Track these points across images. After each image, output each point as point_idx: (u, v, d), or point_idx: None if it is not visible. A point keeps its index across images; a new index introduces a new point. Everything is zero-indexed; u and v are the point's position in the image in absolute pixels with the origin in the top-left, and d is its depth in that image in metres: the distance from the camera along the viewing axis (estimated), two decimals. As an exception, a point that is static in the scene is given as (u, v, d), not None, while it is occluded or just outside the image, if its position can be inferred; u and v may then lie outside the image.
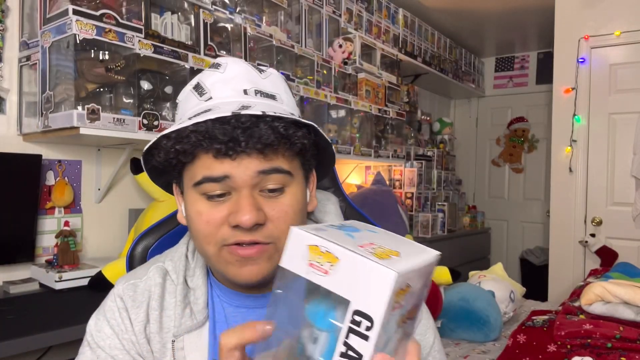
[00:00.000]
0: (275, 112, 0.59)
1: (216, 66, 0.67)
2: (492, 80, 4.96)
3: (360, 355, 0.36)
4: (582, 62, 3.19)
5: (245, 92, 0.64)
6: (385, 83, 3.13)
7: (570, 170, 3.23)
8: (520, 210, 4.76)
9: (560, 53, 3.29)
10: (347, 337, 0.37)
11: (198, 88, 0.66)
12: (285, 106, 0.66)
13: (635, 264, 2.55)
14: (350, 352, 0.37)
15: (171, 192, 0.73)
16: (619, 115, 3.13)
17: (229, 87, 0.64)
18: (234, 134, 0.57)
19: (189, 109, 0.65)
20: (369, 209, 2.86)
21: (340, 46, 2.78)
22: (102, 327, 0.68)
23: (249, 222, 0.58)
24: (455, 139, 4.85)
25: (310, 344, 0.39)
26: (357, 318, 0.36)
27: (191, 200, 0.63)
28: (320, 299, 0.38)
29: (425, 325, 0.73)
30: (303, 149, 0.63)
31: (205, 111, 0.60)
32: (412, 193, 3.65)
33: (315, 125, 0.63)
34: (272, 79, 0.67)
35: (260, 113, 0.58)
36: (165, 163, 0.63)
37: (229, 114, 0.57)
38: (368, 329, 0.36)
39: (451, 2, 3.53)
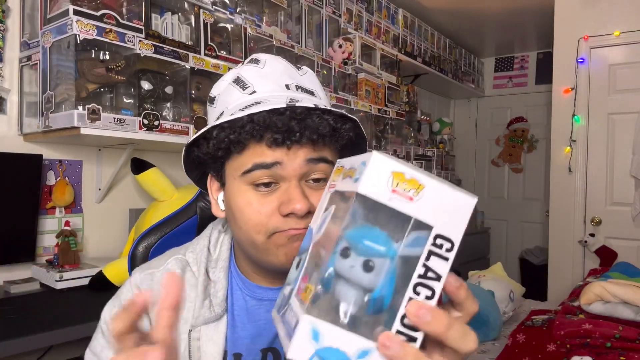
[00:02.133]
0: (325, 106, 0.62)
1: (255, 61, 0.69)
2: (491, 80, 4.96)
3: (439, 276, 0.39)
4: (581, 62, 3.19)
5: (287, 86, 0.66)
6: (385, 83, 3.14)
7: (570, 170, 3.23)
8: (520, 210, 4.76)
9: (559, 53, 3.30)
10: (427, 259, 0.38)
11: (239, 82, 0.67)
12: (323, 102, 0.69)
13: (635, 263, 2.55)
14: (429, 274, 0.38)
15: (201, 186, 0.75)
16: (618, 115, 3.14)
17: (270, 81, 0.66)
18: (290, 124, 0.60)
19: (232, 102, 0.66)
20: (369, 208, 2.85)
21: (340, 46, 2.79)
22: None
23: (302, 210, 0.60)
24: (455, 139, 4.85)
25: (362, 272, 0.38)
26: (439, 241, 0.38)
27: (238, 191, 0.64)
28: (375, 227, 0.38)
29: None
30: (349, 142, 0.66)
31: (255, 103, 0.62)
32: (412, 193, 3.64)
33: (358, 120, 0.67)
34: (309, 76, 0.71)
35: (312, 106, 0.60)
36: (212, 153, 0.64)
37: (283, 105, 0.59)
38: (448, 250, 0.39)
39: (451, 2, 3.54)
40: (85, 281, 1.72)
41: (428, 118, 4.48)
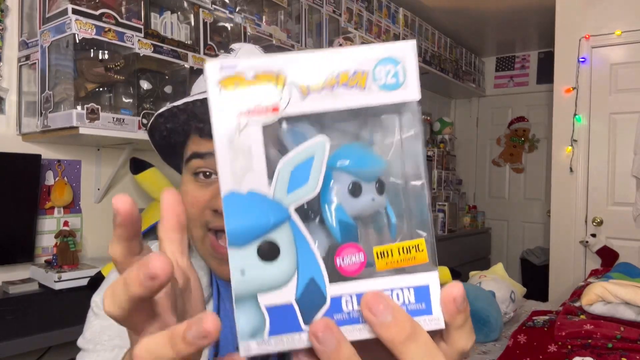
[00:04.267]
0: None
1: (230, 51, 0.68)
2: (492, 79, 4.95)
3: None
4: (582, 61, 3.18)
5: None
6: (386, 83, 3.13)
7: (571, 170, 3.22)
8: (521, 210, 4.75)
9: (560, 53, 3.29)
10: None
11: None
12: None
13: (636, 264, 2.54)
14: None
15: None
16: (620, 115, 3.13)
17: None
18: None
19: (194, 92, 0.66)
20: (369, 208, 2.85)
21: (341, 46, 2.78)
22: None
23: None
24: (456, 139, 4.84)
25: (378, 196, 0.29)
26: None
27: (184, 180, 0.64)
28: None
29: None
30: None
31: (202, 92, 0.61)
32: (413, 193, 3.64)
33: None
34: None
35: None
36: (163, 142, 0.65)
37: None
38: None
39: (451, 1, 3.53)
40: (84, 281, 1.71)
41: (429, 118, 4.47)
